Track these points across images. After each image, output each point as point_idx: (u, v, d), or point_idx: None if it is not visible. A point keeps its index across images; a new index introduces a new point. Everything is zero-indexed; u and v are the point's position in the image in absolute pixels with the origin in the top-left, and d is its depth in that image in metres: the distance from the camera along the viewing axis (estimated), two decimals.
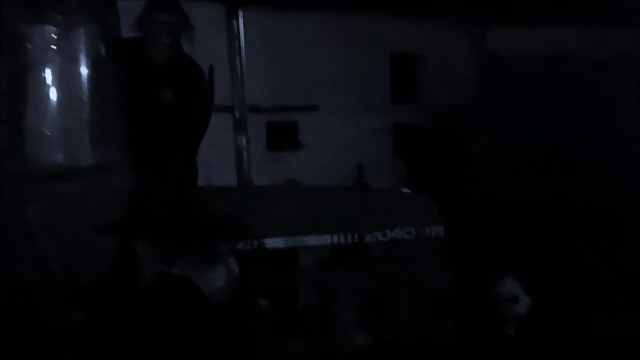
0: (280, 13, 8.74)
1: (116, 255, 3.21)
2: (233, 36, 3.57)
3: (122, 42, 4.03)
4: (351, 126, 9.00)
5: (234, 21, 3.56)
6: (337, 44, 8.94)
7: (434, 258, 3.53)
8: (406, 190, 3.82)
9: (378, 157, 9.29)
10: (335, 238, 3.40)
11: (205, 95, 4.32)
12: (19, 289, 2.82)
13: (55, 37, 3.23)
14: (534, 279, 3.82)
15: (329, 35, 8.94)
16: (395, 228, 3.48)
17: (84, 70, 3.28)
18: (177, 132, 4.29)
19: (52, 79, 3.25)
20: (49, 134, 3.26)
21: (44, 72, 3.23)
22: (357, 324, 3.39)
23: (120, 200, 3.26)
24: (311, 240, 3.37)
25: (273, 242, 3.33)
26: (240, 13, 3.56)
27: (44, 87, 3.24)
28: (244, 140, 3.61)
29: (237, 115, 3.60)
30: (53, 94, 3.26)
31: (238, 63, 3.58)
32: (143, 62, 4.09)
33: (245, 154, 3.62)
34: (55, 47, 3.23)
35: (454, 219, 3.74)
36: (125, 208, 3.27)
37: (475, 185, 8.82)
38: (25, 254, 2.82)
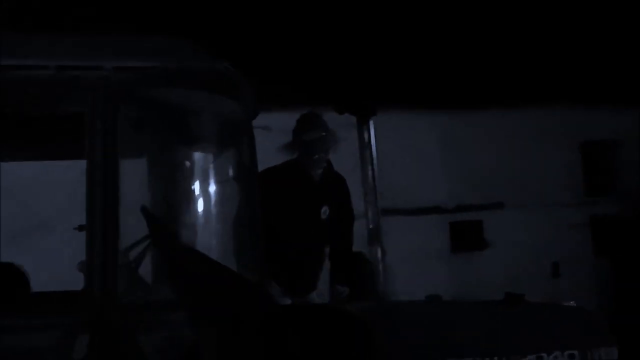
0: (459, 112, 8.36)
1: None
2: (364, 145, 3.20)
3: (279, 166, 3.98)
4: (541, 222, 8.18)
5: (365, 130, 3.21)
6: (519, 138, 8.33)
7: None
8: (571, 304, 3.12)
9: (575, 255, 8.34)
10: None
11: (350, 208, 4.07)
12: None
13: (203, 163, 3.16)
14: None
15: (510, 131, 8.36)
16: (554, 350, 2.79)
17: (228, 193, 3.16)
18: (336, 249, 4.09)
19: (200, 203, 3.16)
20: None
21: (192, 195, 3.15)
22: None
23: None
24: None
25: None
26: (371, 122, 3.22)
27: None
28: (379, 251, 3.14)
29: (371, 225, 3.16)
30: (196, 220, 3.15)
31: (370, 172, 3.17)
32: (301, 181, 4.00)
33: (380, 266, 3.13)
34: (203, 173, 3.14)
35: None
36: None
37: None
38: None
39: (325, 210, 3.98)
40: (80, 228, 2.74)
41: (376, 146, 8.33)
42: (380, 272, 3.17)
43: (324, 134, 3.95)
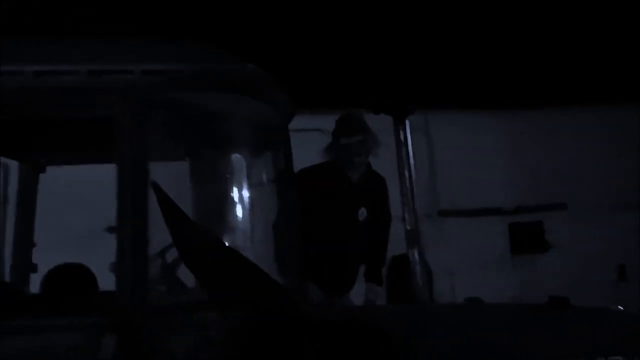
0: (520, 111, 8.14)
1: None
2: (401, 145, 3.11)
3: (317, 166, 3.93)
4: (606, 224, 7.87)
5: (401, 130, 3.12)
6: (582, 137, 8.05)
7: None
8: (619, 308, 2.95)
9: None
10: None
11: (387, 209, 3.99)
12: None
13: (239, 167, 3.16)
14: None
15: (574, 130, 8.08)
16: (596, 357, 2.64)
17: (265, 197, 3.13)
18: (370, 249, 4.02)
19: (237, 207, 3.15)
20: None
21: (229, 199, 3.15)
22: None
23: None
24: None
25: None
26: (407, 122, 3.13)
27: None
28: (416, 254, 3.05)
29: (408, 227, 3.07)
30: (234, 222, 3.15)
31: (407, 172, 3.08)
32: (338, 182, 3.94)
33: (418, 268, 3.04)
34: (239, 177, 3.14)
35: None
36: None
37: None
38: None
39: (362, 212, 3.91)
40: (110, 230, 2.76)
41: (434, 147, 8.21)
42: (419, 274, 3.06)
43: (363, 137, 3.86)
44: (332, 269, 3.74)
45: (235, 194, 3.12)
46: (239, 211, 3.15)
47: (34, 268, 3.66)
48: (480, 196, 7.94)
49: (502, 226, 7.97)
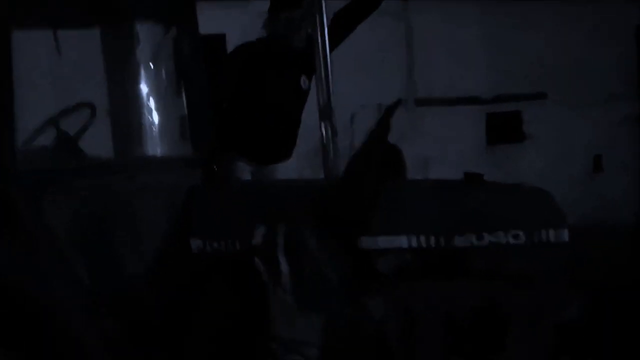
0: None
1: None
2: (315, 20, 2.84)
3: (255, 41, 3.74)
4: (586, 115, 7.56)
5: (317, 6, 2.84)
6: (565, 26, 7.62)
7: (554, 272, 2.45)
8: (526, 185, 2.78)
9: (620, 149, 7.73)
10: (414, 240, 2.51)
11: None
12: (45, 297, 2.42)
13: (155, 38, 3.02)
14: None
15: (557, 17, 7.65)
16: (496, 230, 2.47)
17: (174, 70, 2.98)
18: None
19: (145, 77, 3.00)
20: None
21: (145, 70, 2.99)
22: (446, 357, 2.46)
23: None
24: (384, 242, 2.52)
25: None
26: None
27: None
28: (329, 130, 2.85)
29: (321, 102, 2.86)
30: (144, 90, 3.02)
31: (320, 44, 2.83)
32: (280, 52, 3.78)
33: (331, 145, 2.84)
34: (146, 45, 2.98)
35: None
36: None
37: None
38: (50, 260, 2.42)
39: (304, 80, 3.79)
40: None
41: (413, 35, 7.81)
42: (331, 151, 2.86)
43: (305, 10, 3.63)
44: (272, 136, 3.70)
45: (138, 64, 2.99)
46: (145, 82, 3.02)
47: None
48: (459, 85, 7.64)
49: (480, 115, 7.71)
